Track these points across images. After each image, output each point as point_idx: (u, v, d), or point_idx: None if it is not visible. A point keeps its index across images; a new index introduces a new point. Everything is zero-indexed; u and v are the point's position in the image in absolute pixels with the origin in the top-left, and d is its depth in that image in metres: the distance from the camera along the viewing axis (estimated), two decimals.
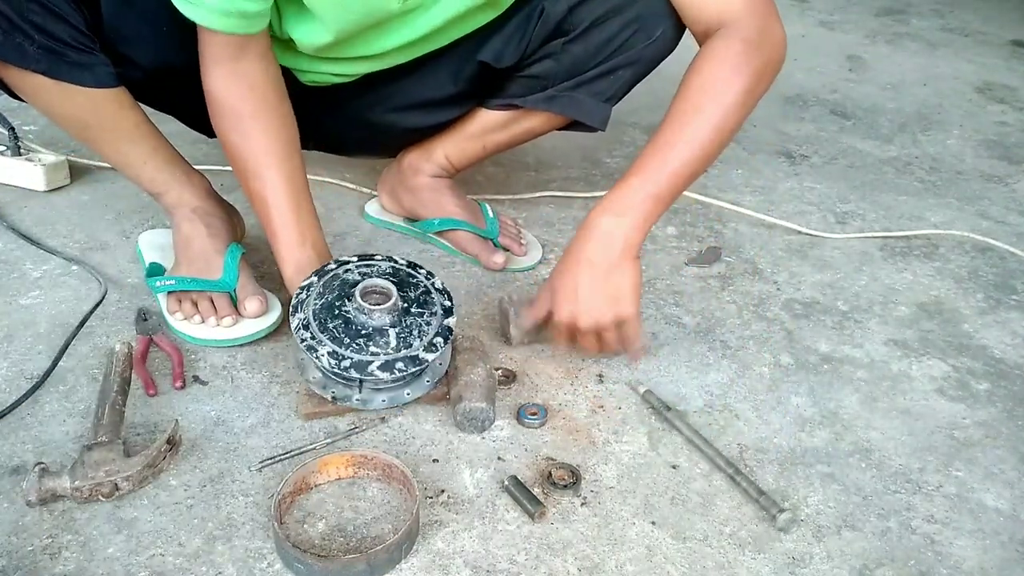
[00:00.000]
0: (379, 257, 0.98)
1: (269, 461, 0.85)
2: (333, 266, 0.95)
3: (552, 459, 0.89)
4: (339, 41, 1.01)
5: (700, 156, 0.93)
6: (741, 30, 0.94)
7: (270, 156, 0.98)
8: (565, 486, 0.84)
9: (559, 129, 1.21)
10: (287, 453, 0.87)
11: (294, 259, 1.00)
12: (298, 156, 1.01)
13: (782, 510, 0.81)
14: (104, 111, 1.00)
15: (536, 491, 0.84)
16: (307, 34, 1.00)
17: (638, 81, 1.14)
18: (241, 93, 0.95)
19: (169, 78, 1.01)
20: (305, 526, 0.79)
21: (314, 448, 0.88)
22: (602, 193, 1.46)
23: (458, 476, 0.86)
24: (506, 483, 0.84)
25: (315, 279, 0.94)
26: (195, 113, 1.03)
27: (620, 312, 0.95)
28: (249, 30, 0.91)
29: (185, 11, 0.88)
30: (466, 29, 1.09)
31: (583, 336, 0.97)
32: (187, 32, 0.92)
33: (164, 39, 0.97)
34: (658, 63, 1.10)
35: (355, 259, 0.97)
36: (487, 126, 1.21)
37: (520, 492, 0.83)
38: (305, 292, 0.93)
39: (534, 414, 0.93)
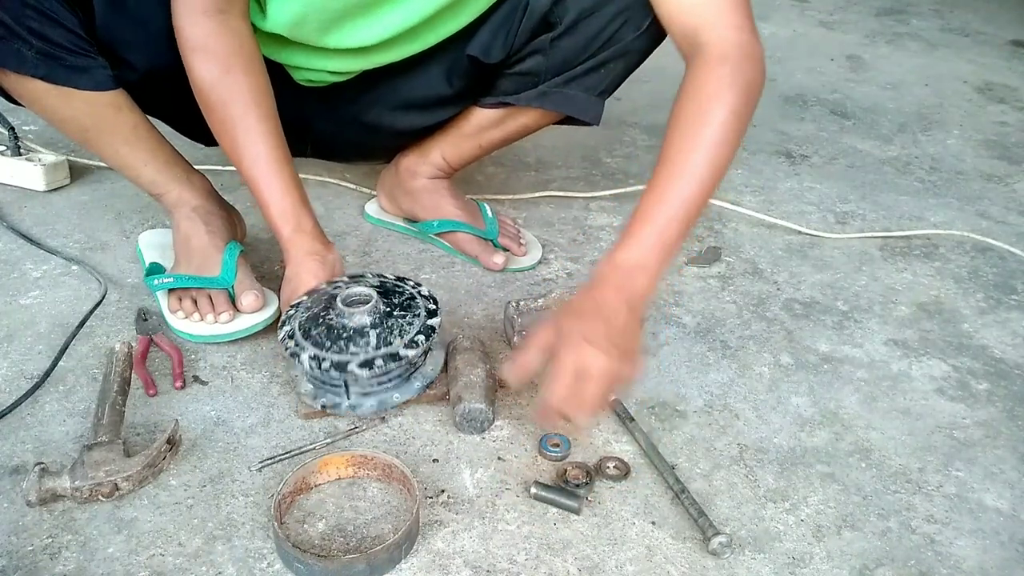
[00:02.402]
0: (369, 275, 0.98)
1: (269, 461, 0.85)
2: (324, 286, 0.96)
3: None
4: (321, 21, 1.01)
5: (700, 193, 0.88)
6: (720, 50, 0.90)
7: (258, 111, 0.95)
8: (578, 485, 0.84)
9: (554, 124, 1.21)
10: (287, 453, 0.87)
11: (293, 217, 0.97)
12: (278, 120, 0.98)
13: (717, 532, 0.79)
14: (102, 114, 1.00)
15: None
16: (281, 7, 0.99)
17: (630, 73, 1.13)
18: (230, 44, 0.93)
19: (163, 81, 1.01)
20: (305, 526, 0.79)
21: (314, 448, 0.88)
22: (603, 193, 1.48)
23: (458, 476, 0.86)
24: (534, 491, 0.83)
25: (305, 298, 0.95)
26: (189, 118, 1.03)
27: (630, 372, 0.83)
28: None
29: None
30: (455, 24, 1.09)
31: (588, 384, 0.80)
32: None
33: (156, 40, 0.96)
34: (648, 54, 1.10)
35: (345, 278, 0.97)
36: (482, 124, 1.21)
37: (553, 493, 0.83)
38: (294, 309, 0.94)
39: (556, 445, 0.89)
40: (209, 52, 0.93)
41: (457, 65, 1.14)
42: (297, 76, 1.13)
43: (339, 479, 0.84)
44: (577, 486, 0.84)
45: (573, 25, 1.08)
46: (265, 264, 1.19)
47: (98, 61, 0.96)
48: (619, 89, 1.16)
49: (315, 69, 1.10)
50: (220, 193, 1.16)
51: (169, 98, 1.03)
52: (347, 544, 0.78)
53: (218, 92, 0.94)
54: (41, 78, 0.93)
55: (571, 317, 0.83)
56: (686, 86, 0.91)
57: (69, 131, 1.04)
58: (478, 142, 1.23)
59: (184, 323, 1.02)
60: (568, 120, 1.19)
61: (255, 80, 0.95)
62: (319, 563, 0.73)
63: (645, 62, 1.12)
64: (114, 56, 0.98)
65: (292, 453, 0.87)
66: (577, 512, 0.82)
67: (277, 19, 1.00)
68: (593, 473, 0.86)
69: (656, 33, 1.04)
